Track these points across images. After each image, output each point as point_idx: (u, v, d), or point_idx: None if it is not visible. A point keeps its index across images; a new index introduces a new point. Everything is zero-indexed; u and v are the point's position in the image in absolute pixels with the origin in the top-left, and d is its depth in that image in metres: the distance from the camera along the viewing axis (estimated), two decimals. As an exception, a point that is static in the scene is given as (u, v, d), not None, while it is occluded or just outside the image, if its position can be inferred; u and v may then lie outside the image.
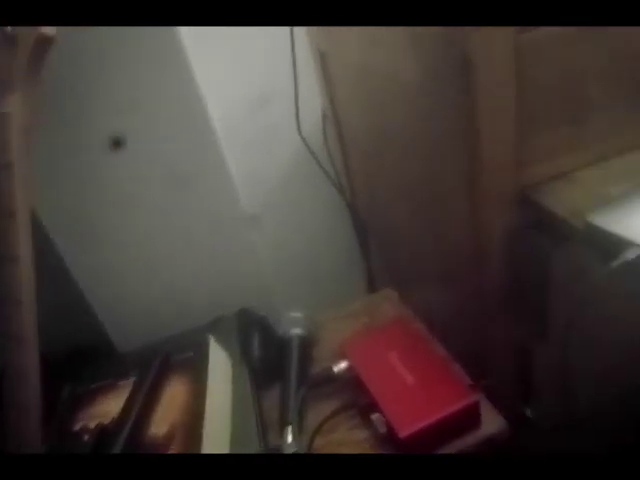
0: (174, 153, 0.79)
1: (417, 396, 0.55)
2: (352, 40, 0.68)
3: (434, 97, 0.54)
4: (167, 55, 0.73)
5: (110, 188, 0.78)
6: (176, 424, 0.55)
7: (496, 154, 0.49)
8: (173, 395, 0.60)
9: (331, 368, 0.63)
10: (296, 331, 0.69)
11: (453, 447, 0.54)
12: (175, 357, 0.65)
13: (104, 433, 0.55)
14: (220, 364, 0.65)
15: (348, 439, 0.59)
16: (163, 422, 0.56)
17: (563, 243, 0.49)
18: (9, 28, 0.50)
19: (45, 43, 0.51)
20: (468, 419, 0.54)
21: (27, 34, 0.50)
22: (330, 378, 0.63)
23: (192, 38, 0.74)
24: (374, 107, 0.71)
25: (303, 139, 0.91)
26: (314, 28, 0.81)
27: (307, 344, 0.69)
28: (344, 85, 0.80)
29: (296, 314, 0.71)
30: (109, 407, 0.60)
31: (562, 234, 0.48)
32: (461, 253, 0.59)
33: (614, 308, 0.52)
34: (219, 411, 0.59)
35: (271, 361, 0.68)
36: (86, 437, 0.56)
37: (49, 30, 0.50)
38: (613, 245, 0.42)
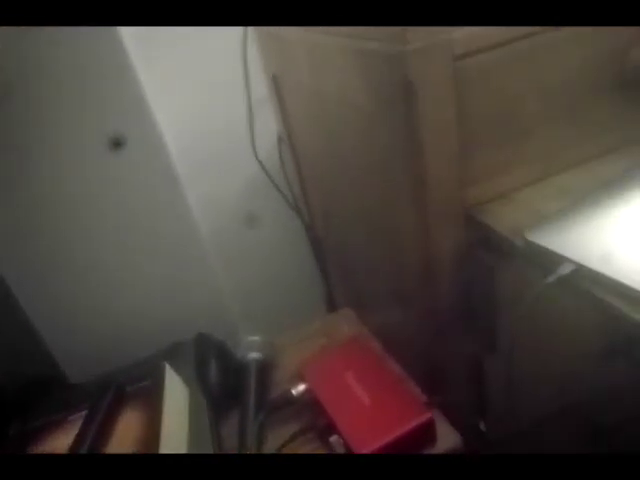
0: (129, 183, 0.78)
1: (373, 416, 0.56)
2: (303, 63, 0.69)
3: (380, 120, 0.55)
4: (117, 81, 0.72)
5: (59, 219, 0.77)
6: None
7: (440, 175, 0.51)
8: (127, 427, 0.58)
9: (290, 391, 0.63)
10: (254, 355, 0.68)
11: (411, 464, 0.55)
12: (130, 387, 0.64)
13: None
14: (176, 392, 0.64)
15: (307, 463, 0.58)
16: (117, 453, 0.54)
17: (506, 260, 0.51)
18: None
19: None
20: (424, 436, 0.55)
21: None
22: (289, 401, 0.63)
23: (143, 60, 0.74)
24: (326, 129, 0.73)
25: (259, 162, 0.92)
26: (267, 51, 0.83)
27: (266, 368, 0.69)
28: (297, 108, 0.82)
29: (254, 338, 0.71)
30: (59, 444, 0.57)
31: (505, 251, 0.50)
32: (412, 272, 0.60)
33: (553, 322, 0.55)
34: (175, 441, 0.57)
35: (229, 387, 0.67)
36: (35, 476, 0.53)
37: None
38: (550, 261, 0.45)
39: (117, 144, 0.74)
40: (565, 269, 0.43)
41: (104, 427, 0.57)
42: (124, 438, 0.56)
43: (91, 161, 0.75)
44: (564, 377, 0.61)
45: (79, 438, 0.55)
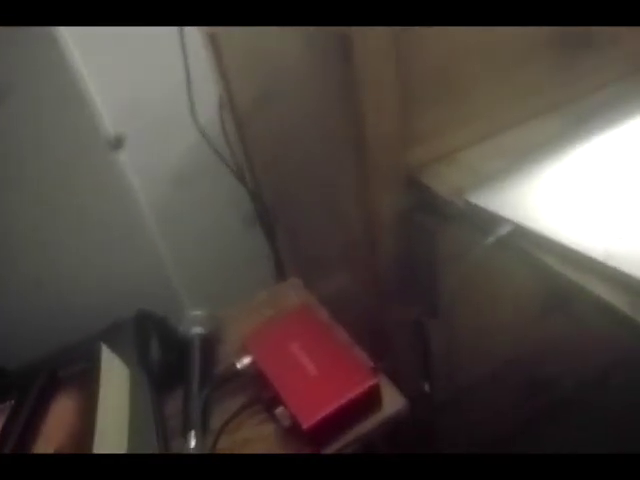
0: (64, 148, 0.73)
1: (319, 385, 0.55)
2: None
3: (319, 80, 0.53)
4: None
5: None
6: (63, 445, 0.51)
7: (379, 136, 0.49)
8: (61, 413, 0.55)
9: (234, 365, 0.61)
10: (197, 330, 0.66)
11: (358, 430, 0.55)
12: (64, 371, 0.60)
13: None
14: (115, 374, 0.61)
15: (254, 436, 0.57)
16: (49, 444, 0.51)
17: (447, 223, 0.50)
18: None
19: None
20: (370, 402, 0.55)
21: None
22: (234, 375, 0.61)
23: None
24: (267, 91, 0.69)
25: (199, 127, 0.87)
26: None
27: (210, 343, 0.67)
28: (237, 70, 0.77)
29: (196, 312, 0.68)
30: (-14, 434, 0.54)
31: (446, 213, 0.49)
32: (355, 236, 0.59)
33: (493, 283, 0.55)
34: (113, 425, 0.55)
35: (172, 364, 0.65)
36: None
37: None
38: (489, 222, 0.44)
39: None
40: (503, 229, 0.42)
41: (33, 417, 0.53)
42: (56, 426, 0.53)
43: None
44: (504, 335, 0.62)
45: (5, 430, 0.52)
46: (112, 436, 0.53)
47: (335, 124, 0.53)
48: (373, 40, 0.45)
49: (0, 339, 0.78)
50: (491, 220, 0.44)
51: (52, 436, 0.52)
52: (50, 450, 0.50)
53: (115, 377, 0.60)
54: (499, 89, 0.55)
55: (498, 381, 0.68)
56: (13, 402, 0.56)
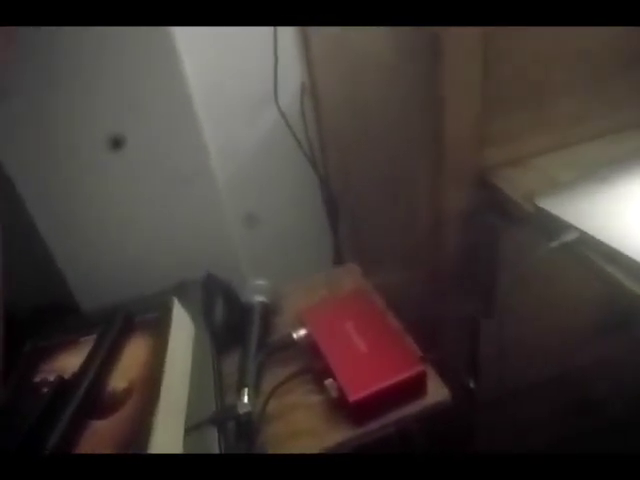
0: (147, 121, 0.79)
1: (369, 364, 0.58)
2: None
3: (407, 76, 0.55)
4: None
5: (81, 149, 0.78)
6: (135, 381, 0.57)
7: (458, 135, 0.51)
8: (134, 353, 0.61)
9: (290, 334, 0.65)
10: (259, 298, 0.71)
11: (399, 413, 0.58)
12: (138, 317, 0.66)
13: (63, 386, 0.56)
14: (182, 325, 0.66)
15: (301, 402, 0.61)
16: (123, 378, 0.57)
17: (514, 225, 0.51)
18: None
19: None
20: (415, 387, 0.57)
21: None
22: (289, 344, 0.65)
23: None
24: (351, 82, 0.72)
25: (280, 109, 0.91)
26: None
27: (269, 311, 0.71)
28: (323, 59, 0.81)
29: (260, 282, 0.72)
30: (70, 362, 0.61)
31: (513, 216, 0.51)
32: (420, 230, 0.61)
33: (553, 290, 0.56)
34: (179, 370, 0.60)
35: (233, 326, 0.70)
36: (44, 389, 0.57)
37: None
38: (556, 228, 0.45)
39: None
40: (569, 235, 0.43)
41: (112, 350, 0.60)
42: (130, 363, 0.59)
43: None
44: (557, 345, 0.62)
45: (89, 358, 0.58)
46: (177, 378, 0.59)
47: (416, 119, 0.55)
48: (463, 40, 0.47)
49: (84, 287, 0.86)
50: (558, 226, 0.45)
51: (127, 370, 0.58)
52: (124, 382, 0.57)
53: (182, 329, 0.66)
54: (586, 100, 0.55)
55: (544, 391, 0.68)
56: (95, 337, 0.63)
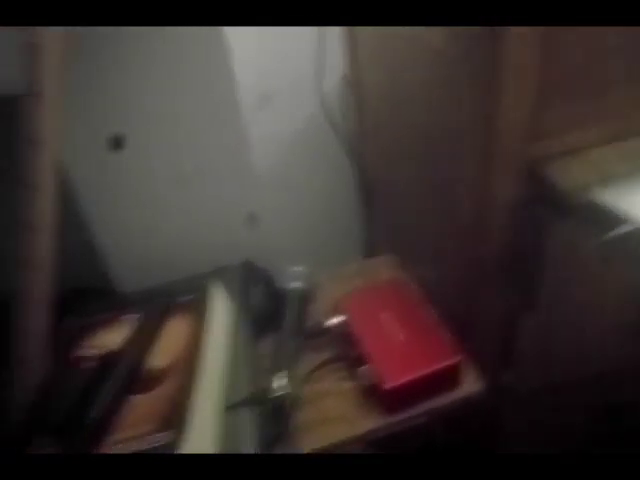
0: (187, 111, 0.79)
1: (404, 352, 0.58)
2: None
3: (459, 64, 0.54)
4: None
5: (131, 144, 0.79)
6: (176, 359, 0.58)
7: (512, 124, 0.50)
8: (174, 332, 0.62)
9: (326, 321, 0.65)
10: (296, 284, 0.71)
11: (432, 403, 0.57)
12: (179, 298, 0.68)
13: (107, 360, 0.58)
14: (221, 307, 0.68)
15: (333, 389, 0.62)
16: (164, 355, 0.59)
17: (563, 217, 0.50)
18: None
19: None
20: (449, 378, 0.57)
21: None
22: (325, 331, 0.66)
23: None
24: (395, 70, 0.71)
25: (322, 97, 0.91)
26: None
27: (305, 298, 0.72)
28: (368, 47, 0.80)
29: (297, 268, 0.73)
30: (111, 338, 0.63)
31: (563, 208, 0.49)
32: (463, 220, 0.60)
33: (602, 282, 0.54)
34: (216, 350, 0.62)
35: (269, 311, 0.71)
36: (87, 363, 0.59)
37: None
38: (609, 221, 0.44)
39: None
40: (622, 229, 0.42)
41: (154, 329, 0.62)
42: (171, 342, 0.61)
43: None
44: (598, 344, 0.60)
45: (131, 335, 0.60)
46: (215, 358, 0.60)
47: (468, 107, 0.54)
48: (519, 27, 0.46)
49: (125, 271, 0.88)
50: (610, 219, 0.44)
51: (168, 348, 0.60)
52: (165, 359, 0.58)
53: (221, 310, 0.67)
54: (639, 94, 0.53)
55: (573, 393, 0.66)
56: (135, 315, 0.65)
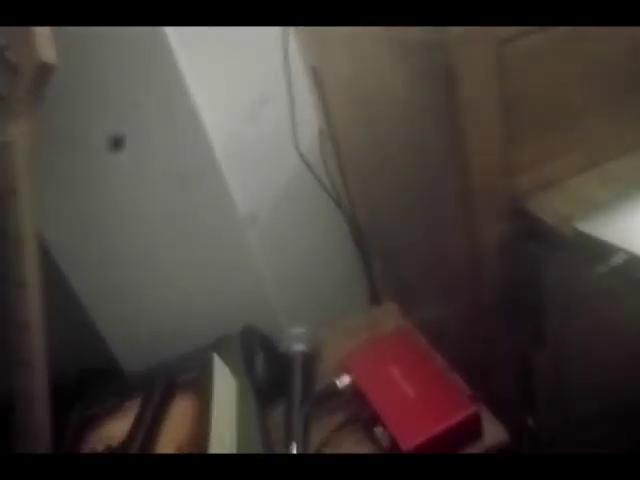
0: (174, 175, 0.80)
1: (419, 408, 0.56)
2: (342, 55, 0.69)
3: (421, 110, 0.55)
4: (158, 61, 0.73)
5: (116, 207, 0.80)
6: (183, 443, 0.56)
7: (484, 163, 0.50)
8: (179, 414, 0.60)
9: (334, 383, 0.64)
10: (298, 347, 0.70)
11: (457, 458, 0.55)
12: (180, 377, 0.66)
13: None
14: (225, 383, 0.66)
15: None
16: (170, 442, 0.57)
17: (555, 250, 0.50)
18: (10, 56, 0.52)
19: (46, 71, 0.53)
20: (470, 430, 0.55)
21: (29, 62, 0.52)
22: (334, 393, 0.64)
23: (184, 48, 0.75)
24: (367, 122, 0.73)
25: (300, 154, 0.93)
26: (306, 43, 0.83)
27: (310, 360, 0.70)
28: (338, 100, 0.82)
29: (298, 330, 0.72)
30: (116, 429, 0.61)
31: (553, 242, 0.49)
32: (456, 264, 0.59)
33: (604, 313, 0.53)
34: (225, 430, 0.59)
35: (275, 379, 0.69)
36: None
37: (50, 58, 0.52)
38: (601, 251, 0.43)
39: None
40: (618, 259, 0.41)
41: (157, 414, 0.59)
42: (176, 425, 0.59)
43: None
44: (617, 374, 0.58)
45: (135, 425, 0.58)
46: (224, 439, 0.58)
47: (438, 153, 0.55)
48: (477, 68, 0.46)
49: (125, 348, 0.87)
50: (603, 249, 0.43)
51: (174, 433, 0.57)
52: (172, 446, 0.56)
53: (225, 385, 0.65)
54: (611, 116, 0.54)
55: (608, 425, 0.64)
56: (138, 400, 0.63)
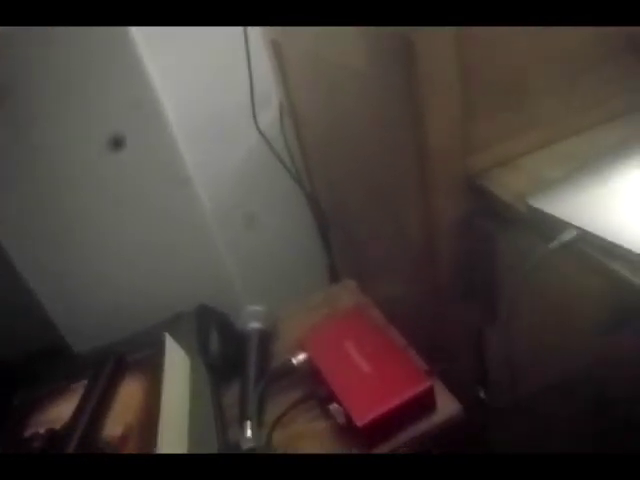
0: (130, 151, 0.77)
1: (374, 384, 0.56)
2: (305, 30, 0.67)
3: (382, 84, 0.54)
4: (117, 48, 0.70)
5: (61, 192, 0.76)
6: (131, 425, 0.54)
7: (441, 141, 0.50)
8: (128, 395, 0.58)
9: (290, 361, 0.63)
10: (255, 325, 0.68)
11: (411, 432, 0.55)
12: (131, 356, 0.64)
13: (54, 438, 0.53)
14: (177, 361, 0.64)
15: (308, 431, 0.59)
16: (117, 423, 0.55)
17: (508, 227, 0.50)
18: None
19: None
20: (424, 404, 0.55)
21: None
22: (289, 371, 0.63)
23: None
24: (328, 97, 0.71)
25: (260, 131, 0.90)
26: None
27: (267, 338, 0.69)
28: (299, 75, 0.80)
29: (255, 308, 0.70)
30: (61, 411, 0.58)
31: (507, 219, 0.49)
32: (414, 241, 0.59)
33: (555, 291, 0.54)
34: (176, 409, 0.58)
35: (230, 357, 0.68)
36: (36, 444, 0.54)
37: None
38: (553, 227, 0.43)
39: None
40: (568, 234, 0.42)
41: (105, 395, 0.57)
42: (125, 406, 0.57)
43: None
44: (566, 347, 0.60)
45: (80, 406, 0.56)
46: (175, 418, 0.56)
47: (396, 129, 0.54)
48: (436, 44, 0.46)
49: (75, 327, 0.83)
50: (554, 225, 0.43)
51: (122, 414, 0.55)
52: (120, 427, 0.54)
53: (177, 365, 0.64)
54: (565, 96, 0.54)
55: (556, 396, 0.66)
56: (86, 382, 0.60)
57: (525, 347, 0.53)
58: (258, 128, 0.90)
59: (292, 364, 0.62)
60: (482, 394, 0.61)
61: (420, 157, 0.51)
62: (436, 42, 0.46)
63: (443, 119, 0.49)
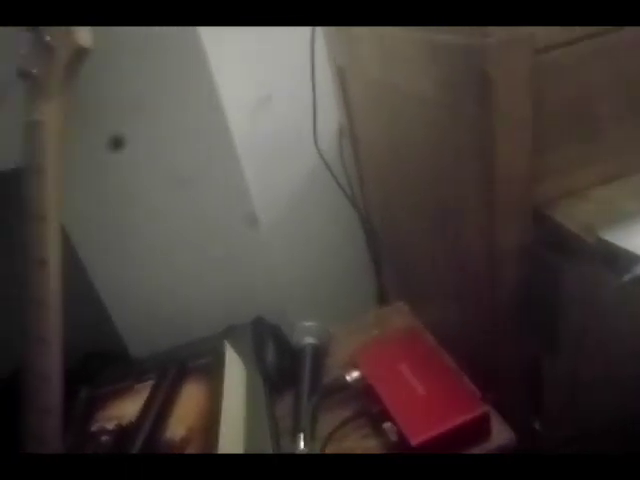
0: (188, 163, 0.81)
1: (428, 406, 0.56)
2: (372, 56, 0.70)
3: (452, 113, 0.55)
4: (187, 59, 0.74)
5: (130, 195, 0.80)
6: (193, 427, 0.56)
7: (511, 170, 0.51)
8: (190, 399, 0.61)
9: (344, 377, 0.64)
10: (309, 340, 0.70)
11: (463, 457, 0.55)
12: (191, 363, 0.67)
13: (122, 434, 0.56)
14: (235, 370, 0.66)
15: (359, 447, 0.60)
16: (180, 425, 0.57)
17: (575, 259, 0.50)
18: (47, 37, 0.52)
19: (81, 54, 0.53)
20: (478, 430, 0.55)
21: (64, 44, 0.52)
22: (342, 387, 0.64)
23: (210, 42, 0.76)
24: (391, 122, 0.73)
25: (319, 152, 0.93)
26: (334, 43, 0.84)
27: (320, 353, 0.71)
28: (362, 100, 0.82)
29: (310, 323, 0.72)
30: (126, 409, 0.61)
31: (574, 250, 0.49)
32: (474, 268, 0.60)
33: (624, 323, 0.53)
34: (234, 415, 0.60)
35: (284, 369, 0.70)
36: (104, 438, 0.57)
37: (86, 42, 0.53)
38: (624, 260, 0.44)
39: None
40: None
41: (168, 397, 0.60)
42: (187, 409, 0.59)
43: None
44: (630, 384, 0.59)
45: (147, 405, 0.59)
46: (233, 424, 0.58)
47: (463, 157, 0.55)
48: (514, 81, 0.47)
49: (135, 335, 0.87)
50: (625, 259, 0.44)
51: (184, 417, 0.58)
52: (182, 429, 0.56)
53: (235, 373, 0.66)
54: (635, 131, 0.54)
55: (616, 433, 0.64)
56: (149, 383, 0.63)
57: (587, 381, 0.53)
58: (317, 148, 0.93)
59: (346, 381, 0.64)
60: (537, 425, 0.60)
61: (487, 186, 0.52)
62: (514, 78, 0.47)
63: (513, 151, 0.49)
